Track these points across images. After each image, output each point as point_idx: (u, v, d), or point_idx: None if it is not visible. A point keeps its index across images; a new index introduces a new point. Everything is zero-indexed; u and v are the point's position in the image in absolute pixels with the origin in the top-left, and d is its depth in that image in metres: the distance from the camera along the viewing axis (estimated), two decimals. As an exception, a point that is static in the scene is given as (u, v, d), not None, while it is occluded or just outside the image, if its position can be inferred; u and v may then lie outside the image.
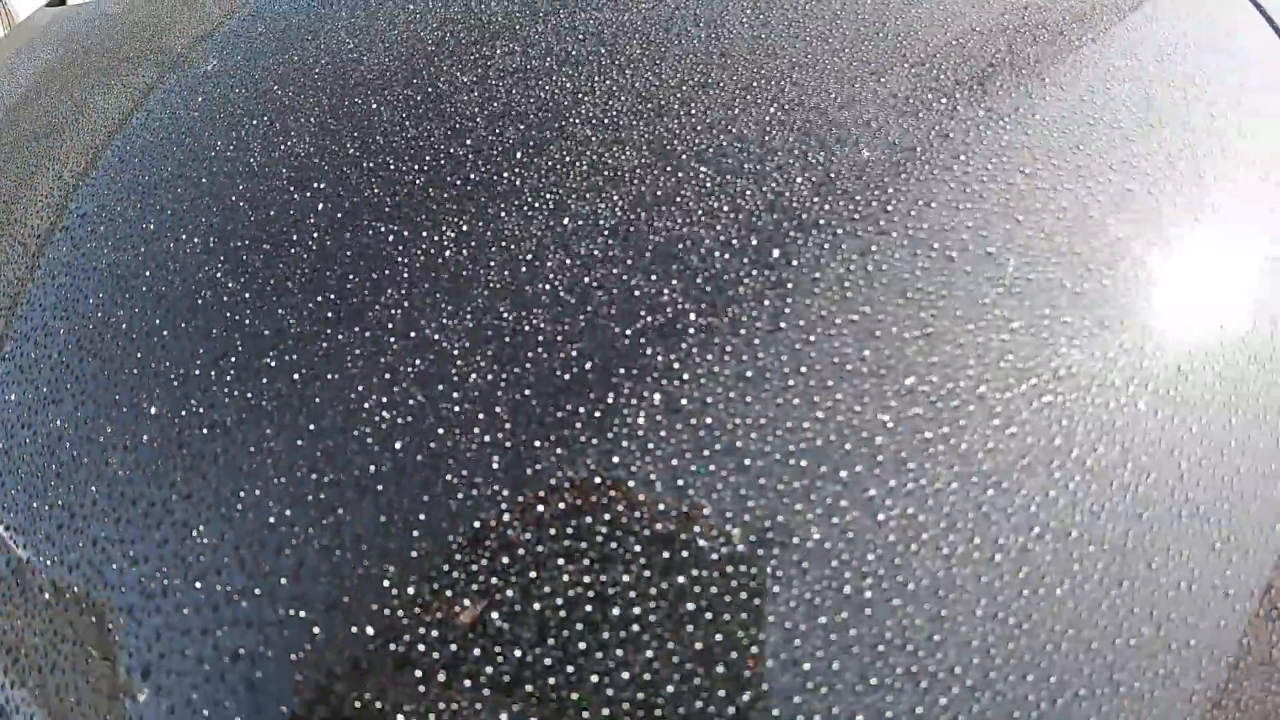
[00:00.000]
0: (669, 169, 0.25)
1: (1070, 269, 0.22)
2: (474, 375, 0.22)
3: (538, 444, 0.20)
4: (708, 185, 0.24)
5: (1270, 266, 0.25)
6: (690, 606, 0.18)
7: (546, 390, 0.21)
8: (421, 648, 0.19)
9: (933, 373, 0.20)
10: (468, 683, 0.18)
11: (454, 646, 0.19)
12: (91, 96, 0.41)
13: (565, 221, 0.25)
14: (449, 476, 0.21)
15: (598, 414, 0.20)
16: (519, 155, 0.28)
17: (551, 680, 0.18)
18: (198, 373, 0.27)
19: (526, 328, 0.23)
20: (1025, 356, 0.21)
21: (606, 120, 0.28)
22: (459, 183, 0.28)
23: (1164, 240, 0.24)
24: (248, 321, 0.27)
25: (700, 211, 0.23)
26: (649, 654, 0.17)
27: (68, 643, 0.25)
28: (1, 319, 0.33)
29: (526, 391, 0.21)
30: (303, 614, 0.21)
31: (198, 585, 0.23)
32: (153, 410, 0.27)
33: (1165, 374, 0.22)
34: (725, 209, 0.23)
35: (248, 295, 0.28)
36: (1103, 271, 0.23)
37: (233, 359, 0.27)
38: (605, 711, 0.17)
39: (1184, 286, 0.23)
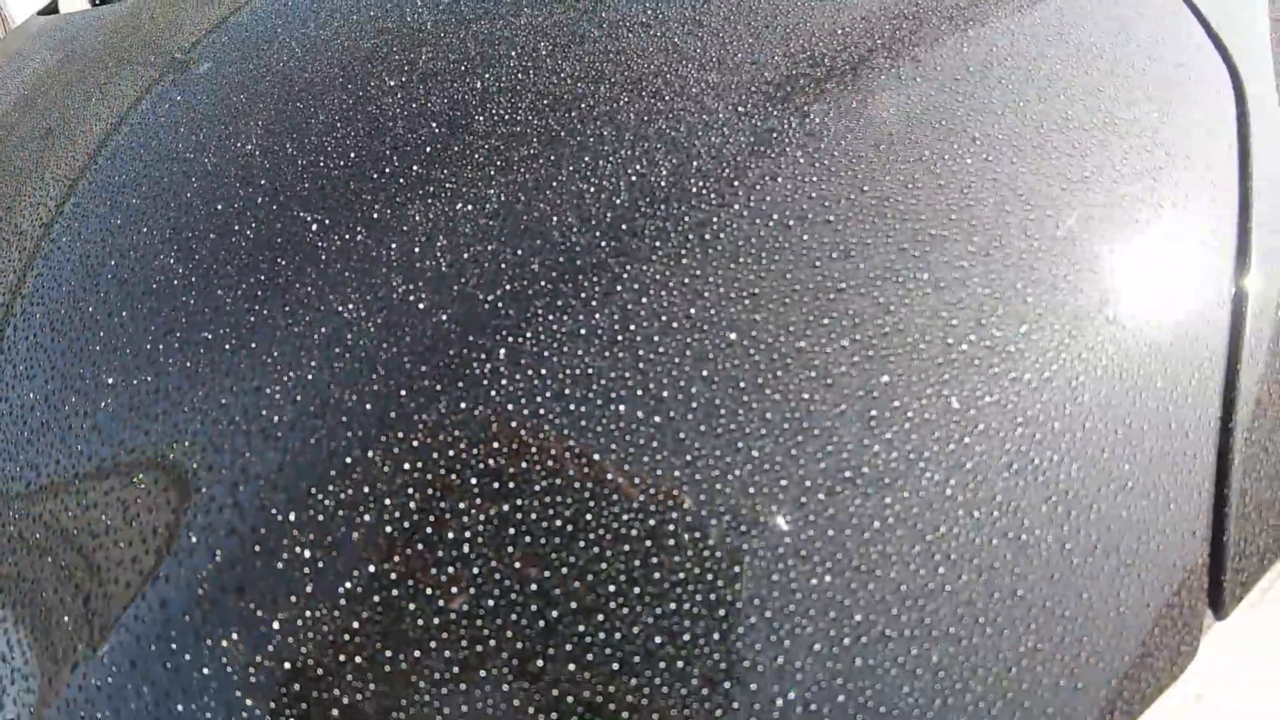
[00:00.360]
0: (552, 158, 0.30)
1: (911, 234, 0.26)
2: (363, 340, 0.28)
3: (402, 393, 0.25)
4: (583, 170, 0.29)
5: (1133, 230, 0.28)
6: (512, 530, 0.22)
7: (415, 349, 0.26)
8: (301, 564, 0.24)
9: (753, 328, 0.24)
10: (329, 593, 0.23)
11: (322, 564, 0.24)
12: (77, 103, 0.50)
13: (457, 206, 0.30)
14: (332, 424, 0.26)
15: (452, 367, 0.25)
16: (428, 150, 0.33)
17: (395, 591, 0.22)
18: (148, 347, 0.34)
19: (410, 298, 0.28)
20: (852, 313, 0.24)
21: (507, 116, 0.33)
22: (375, 176, 0.34)
23: (1020, 207, 0.27)
24: (192, 301, 0.34)
25: (570, 193, 0.28)
26: (475, 569, 0.22)
27: (27, 581, 0.32)
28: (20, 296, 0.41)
29: (399, 350, 0.26)
30: (207, 541, 0.26)
31: (133, 524, 0.29)
32: (110, 380, 0.34)
33: (1005, 332, 0.25)
34: (591, 190, 0.28)
35: (194, 279, 0.35)
36: (945, 236, 0.26)
37: (177, 334, 0.33)
38: (436, 619, 0.22)
39: (1036, 250, 0.26)
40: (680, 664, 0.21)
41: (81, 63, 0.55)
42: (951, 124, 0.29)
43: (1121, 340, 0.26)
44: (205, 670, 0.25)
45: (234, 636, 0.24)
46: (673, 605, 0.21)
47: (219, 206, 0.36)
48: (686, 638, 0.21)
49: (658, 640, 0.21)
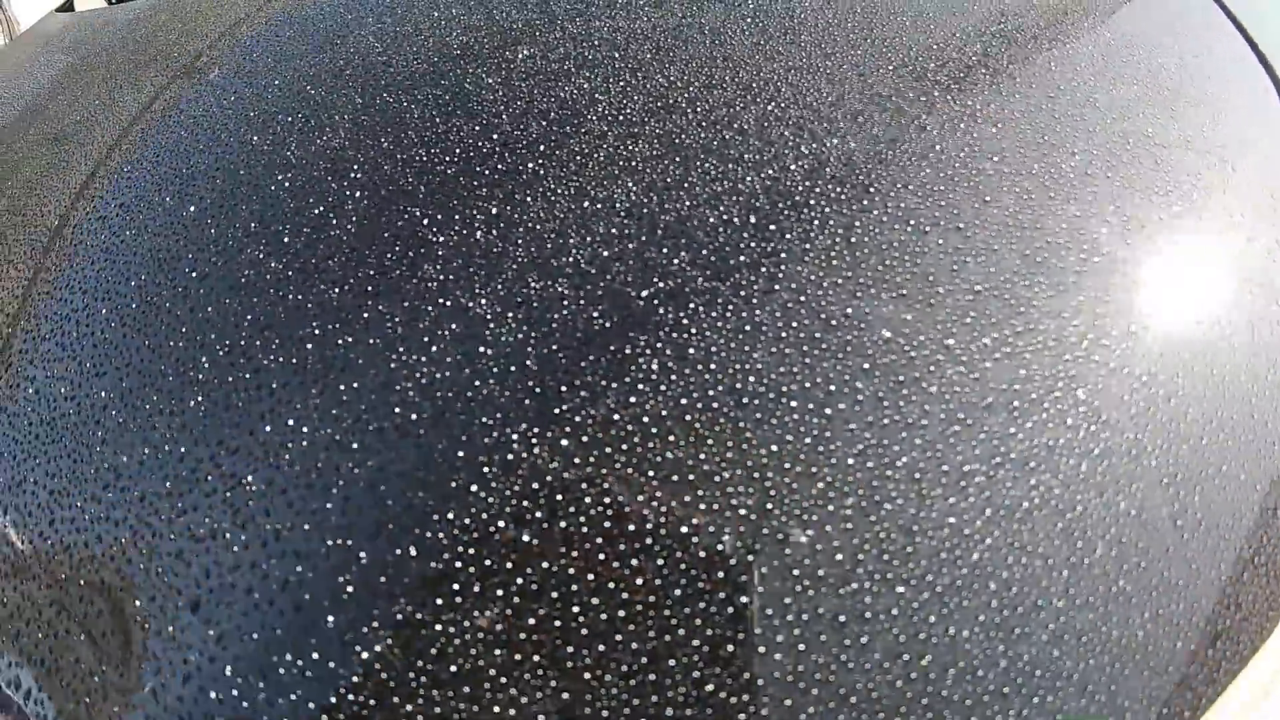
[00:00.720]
0: (678, 159, 0.33)
1: (1030, 242, 0.29)
2: (505, 334, 0.29)
3: (564, 389, 0.27)
4: (712, 172, 0.32)
5: (1220, 240, 0.32)
6: (696, 521, 0.24)
7: (571, 344, 0.28)
8: (457, 566, 0.25)
9: (904, 326, 0.27)
10: (489, 595, 0.24)
11: (480, 566, 0.25)
12: (121, 95, 0.49)
13: (585, 205, 0.32)
14: (484, 419, 0.27)
15: (616, 361, 0.26)
16: (542, 148, 0.35)
17: (573, 588, 0.24)
18: (243, 343, 0.34)
19: (552, 293, 0.29)
20: (989, 313, 0.28)
21: (621, 117, 0.35)
22: (487, 173, 0.35)
23: (1118, 219, 0.31)
24: (290, 296, 0.34)
25: (705, 194, 0.31)
26: (659, 563, 0.24)
27: (112, 589, 0.31)
28: (40, 302, 0.40)
29: (553, 345, 0.28)
30: (349, 542, 0.27)
31: (247, 526, 0.29)
32: (199, 378, 0.34)
33: (1116, 331, 0.29)
34: (727, 192, 0.31)
35: (290, 274, 0.35)
36: (1060, 244, 0.30)
37: (275, 329, 0.34)
38: (620, 614, 0.23)
39: (1137, 258, 0.30)
40: (866, 639, 0.23)
41: (125, 54, 0.53)
42: (1053, 140, 0.32)
43: (1211, 340, 0.30)
44: (358, 676, 0.26)
45: (391, 640, 0.25)
46: (854, 586, 0.24)
47: (310, 200, 0.37)
48: (869, 615, 0.24)
49: (842, 620, 0.23)
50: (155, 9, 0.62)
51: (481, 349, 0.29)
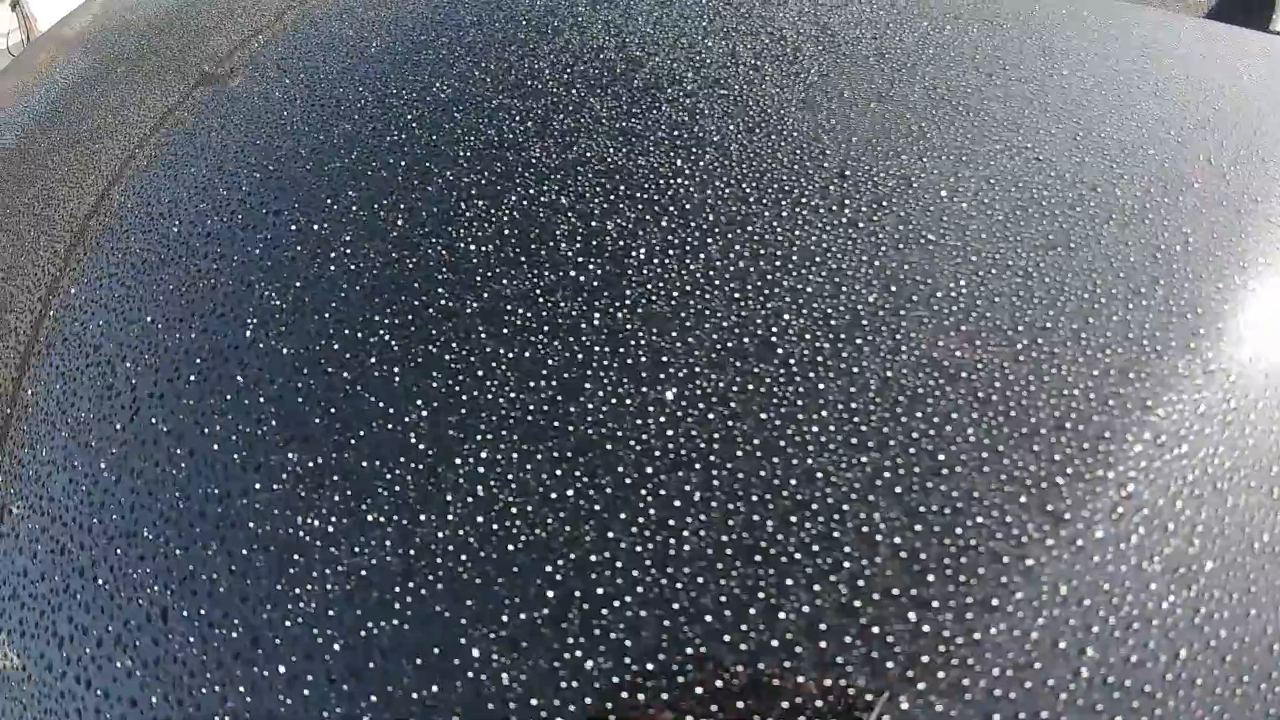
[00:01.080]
0: (975, 223, 0.31)
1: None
2: (873, 414, 0.26)
3: (993, 486, 0.25)
4: (1027, 247, 0.31)
5: None
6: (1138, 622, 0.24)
7: (990, 433, 0.26)
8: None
9: (1229, 396, 0.28)
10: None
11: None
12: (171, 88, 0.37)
13: (899, 247, 0.30)
14: (883, 517, 0.25)
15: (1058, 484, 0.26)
16: (824, 176, 0.32)
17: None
18: (503, 406, 0.28)
19: (904, 361, 0.27)
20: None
21: (897, 150, 0.32)
22: (766, 200, 0.31)
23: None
24: (544, 346, 0.28)
25: (1027, 271, 0.29)
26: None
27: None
28: (183, 329, 0.30)
29: (966, 439, 0.26)
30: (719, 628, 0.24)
31: (539, 652, 0.24)
32: (474, 462, 0.27)
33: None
34: (1041, 263, 0.30)
35: (532, 315, 0.29)
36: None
37: (552, 394, 0.28)
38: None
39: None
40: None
41: (212, 38, 0.39)
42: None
43: None
44: None
45: None
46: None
47: (542, 216, 0.30)
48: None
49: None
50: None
51: (836, 428, 0.27)
